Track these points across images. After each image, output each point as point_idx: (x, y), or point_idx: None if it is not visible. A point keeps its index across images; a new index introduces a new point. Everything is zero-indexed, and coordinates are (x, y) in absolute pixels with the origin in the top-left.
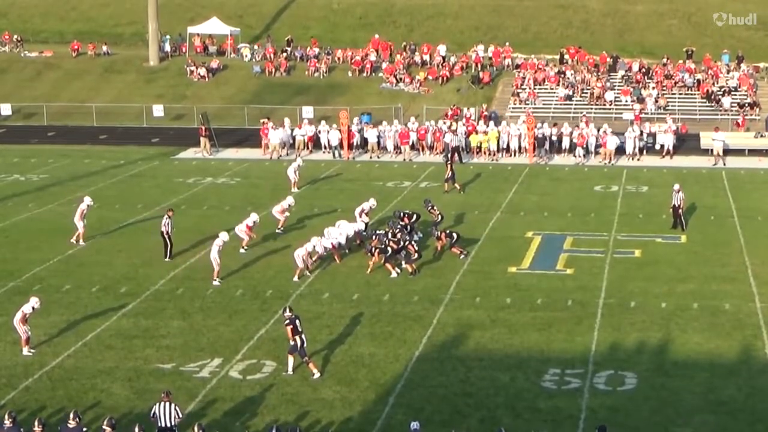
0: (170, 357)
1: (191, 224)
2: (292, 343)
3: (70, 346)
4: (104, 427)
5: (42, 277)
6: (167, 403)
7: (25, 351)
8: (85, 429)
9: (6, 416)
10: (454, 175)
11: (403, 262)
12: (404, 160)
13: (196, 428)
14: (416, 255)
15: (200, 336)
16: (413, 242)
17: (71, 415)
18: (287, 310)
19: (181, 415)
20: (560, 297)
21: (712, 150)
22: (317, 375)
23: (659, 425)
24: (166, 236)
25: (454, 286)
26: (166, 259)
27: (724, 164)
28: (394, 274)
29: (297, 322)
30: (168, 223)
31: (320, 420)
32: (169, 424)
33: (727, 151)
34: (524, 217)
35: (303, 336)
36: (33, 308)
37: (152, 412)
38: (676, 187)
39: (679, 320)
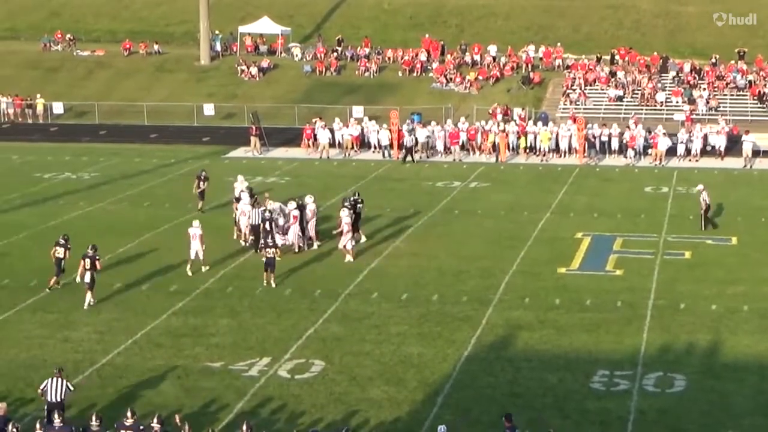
0: (219, 355)
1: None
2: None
3: (120, 344)
4: (153, 425)
5: None
6: (59, 379)
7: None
8: (142, 427)
9: (93, 417)
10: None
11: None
12: (454, 160)
13: (244, 428)
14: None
15: (249, 335)
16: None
17: (128, 414)
18: (91, 247)
19: (72, 389)
20: (609, 298)
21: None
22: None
23: (709, 428)
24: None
25: (503, 287)
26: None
27: (751, 167)
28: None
29: (96, 260)
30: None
31: (368, 420)
32: (58, 399)
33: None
34: (574, 218)
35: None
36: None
37: (43, 385)
38: (700, 187)
39: (729, 322)
